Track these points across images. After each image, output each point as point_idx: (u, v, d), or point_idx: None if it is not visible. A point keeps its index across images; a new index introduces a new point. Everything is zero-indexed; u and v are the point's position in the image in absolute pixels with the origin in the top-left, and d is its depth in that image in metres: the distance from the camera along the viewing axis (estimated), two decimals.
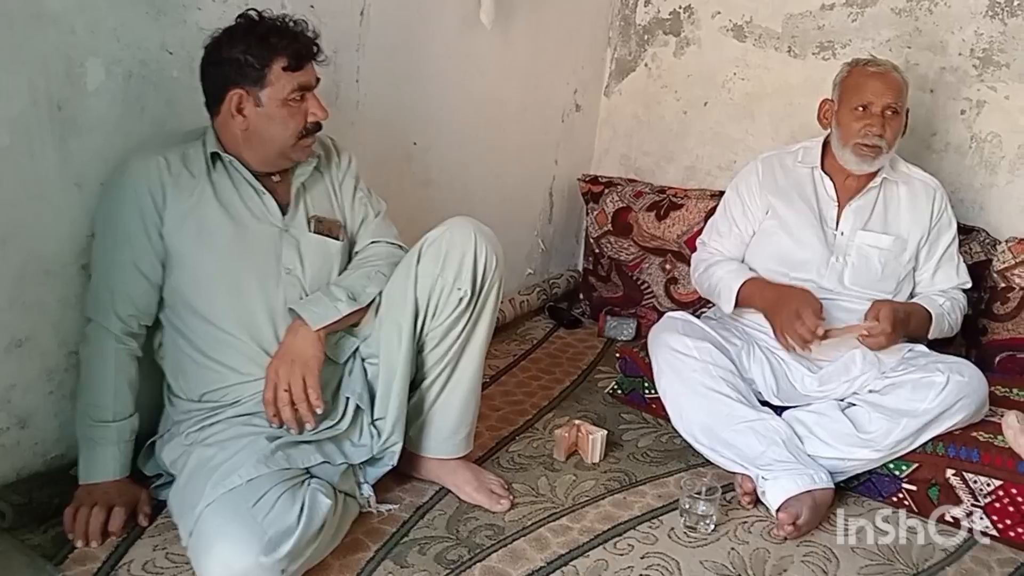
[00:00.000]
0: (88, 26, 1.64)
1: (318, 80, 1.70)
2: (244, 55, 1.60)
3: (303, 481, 1.54)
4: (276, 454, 1.54)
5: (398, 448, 1.77)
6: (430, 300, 1.76)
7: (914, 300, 2.14)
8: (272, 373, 1.63)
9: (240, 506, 1.42)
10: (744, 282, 2.13)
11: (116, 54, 1.70)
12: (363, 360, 1.82)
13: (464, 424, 1.88)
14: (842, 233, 2.15)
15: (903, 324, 2.01)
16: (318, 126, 1.70)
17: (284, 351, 1.65)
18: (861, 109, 2.07)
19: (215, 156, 1.68)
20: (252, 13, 1.65)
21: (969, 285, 2.21)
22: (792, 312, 1.99)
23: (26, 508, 1.62)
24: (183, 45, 1.80)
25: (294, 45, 1.63)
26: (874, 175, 2.14)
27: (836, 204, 2.17)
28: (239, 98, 1.62)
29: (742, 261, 2.24)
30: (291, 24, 1.65)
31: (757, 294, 2.10)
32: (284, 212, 1.74)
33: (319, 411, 1.65)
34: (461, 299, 1.75)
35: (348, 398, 1.75)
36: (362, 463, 1.74)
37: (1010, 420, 1.91)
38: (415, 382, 1.83)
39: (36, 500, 1.64)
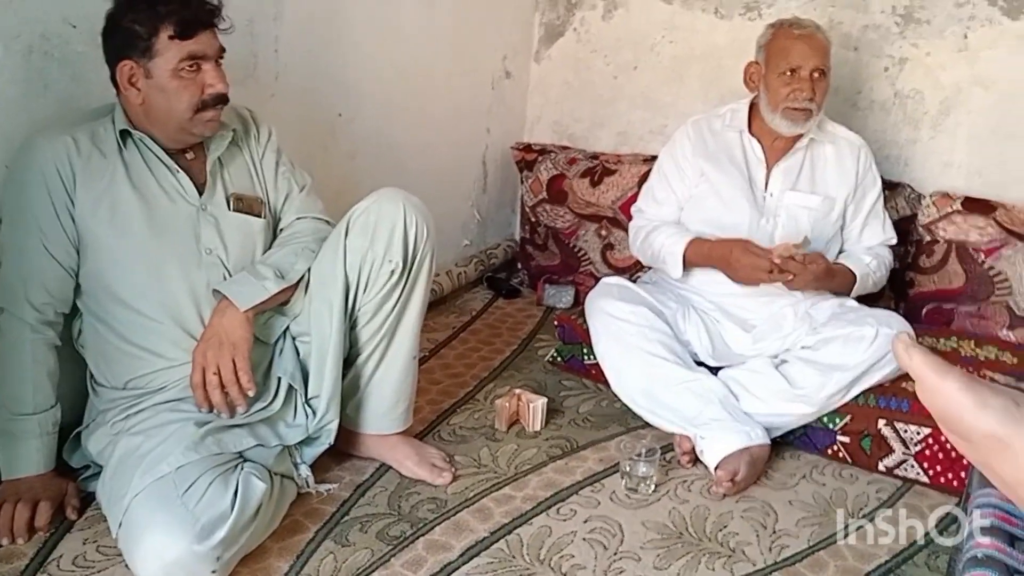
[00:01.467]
0: None
1: (221, 49, 1.61)
2: (132, 24, 1.52)
3: (236, 466, 1.50)
4: (206, 439, 1.50)
5: (334, 426, 1.74)
6: (360, 274, 1.72)
7: (840, 259, 2.17)
8: (200, 356, 1.58)
9: (170, 494, 1.38)
10: (687, 245, 2.13)
11: (14, 28, 1.62)
12: (294, 339, 1.78)
13: (402, 398, 1.86)
14: (771, 195, 2.17)
15: (827, 273, 2.05)
16: (222, 98, 1.61)
17: (211, 333, 1.60)
18: (789, 73, 2.07)
19: (125, 133, 1.61)
20: None
21: (895, 241, 2.25)
22: (741, 251, 2.02)
23: None
24: (87, 17, 1.70)
25: (182, 12, 1.53)
26: (800, 136, 2.16)
27: (765, 166, 2.18)
28: (129, 69, 1.54)
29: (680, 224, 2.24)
30: None
31: (703, 253, 2.12)
32: (201, 191, 1.67)
33: (251, 393, 1.61)
34: (392, 272, 1.72)
35: (280, 378, 1.71)
36: (298, 444, 1.70)
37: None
38: (349, 358, 1.80)
39: None
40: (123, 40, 1.53)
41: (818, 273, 2.00)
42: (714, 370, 2.08)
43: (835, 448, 2.02)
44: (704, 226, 2.17)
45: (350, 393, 1.82)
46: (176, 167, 1.64)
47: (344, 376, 1.78)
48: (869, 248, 2.20)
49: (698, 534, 1.71)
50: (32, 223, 1.56)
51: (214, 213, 1.68)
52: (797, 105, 2.07)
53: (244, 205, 1.72)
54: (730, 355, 2.11)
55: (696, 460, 1.95)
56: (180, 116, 1.58)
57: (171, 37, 1.52)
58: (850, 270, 2.12)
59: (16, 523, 1.52)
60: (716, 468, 1.86)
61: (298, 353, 1.77)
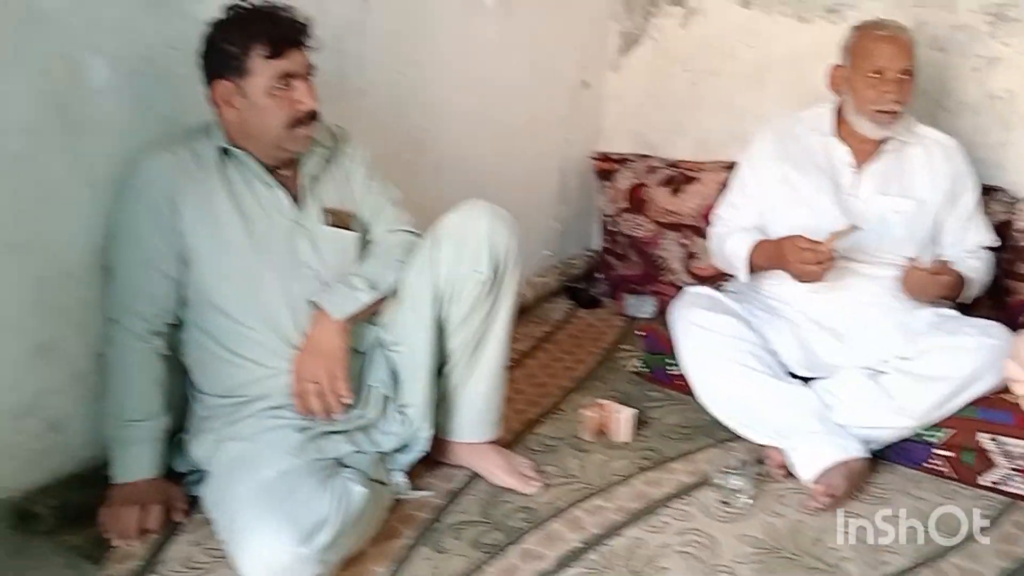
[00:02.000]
0: (86, 23, 1.62)
1: (311, 67, 1.66)
2: (226, 45, 1.58)
3: (336, 471, 1.53)
4: (307, 445, 1.54)
5: (428, 434, 1.76)
6: (449, 285, 1.74)
7: None
8: (299, 366, 1.63)
9: (275, 498, 1.42)
10: (752, 247, 2.10)
11: (118, 51, 1.68)
12: (385, 348, 1.81)
13: (491, 407, 1.87)
14: (860, 199, 2.12)
15: (940, 281, 1.99)
16: (313, 115, 1.66)
17: (310, 344, 1.64)
18: (875, 75, 2.03)
19: (223, 150, 1.67)
20: (239, 1, 1.62)
21: (998, 244, 2.18)
22: (791, 246, 1.97)
23: (62, 511, 1.62)
24: (187, 40, 1.75)
25: (273, 31, 1.58)
26: (888, 139, 2.11)
27: (852, 170, 2.14)
28: (225, 89, 1.60)
29: (759, 231, 2.20)
30: (274, 10, 1.61)
31: (762, 254, 2.09)
32: (297, 206, 1.73)
33: (347, 401, 1.64)
34: (481, 283, 1.74)
35: (374, 387, 1.74)
36: (393, 451, 1.74)
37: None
38: (440, 368, 1.82)
39: (71, 502, 1.64)
40: (219, 60, 1.59)
41: (948, 284, 1.96)
42: (805, 380, 2.03)
43: (934, 462, 1.96)
44: (791, 232, 2.12)
45: (440, 401, 1.84)
46: (273, 183, 1.70)
47: (436, 385, 1.80)
48: (971, 253, 2.13)
49: (796, 549, 1.68)
50: (139, 239, 1.63)
51: (309, 227, 1.73)
52: (884, 107, 2.03)
53: (337, 219, 1.77)
54: (821, 365, 2.06)
55: (790, 473, 1.91)
56: (274, 133, 1.63)
57: (263, 56, 1.58)
58: (958, 272, 2.05)
59: (128, 525, 1.58)
60: (813, 481, 1.82)
61: (389, 362, 1.80)
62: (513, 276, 1.79)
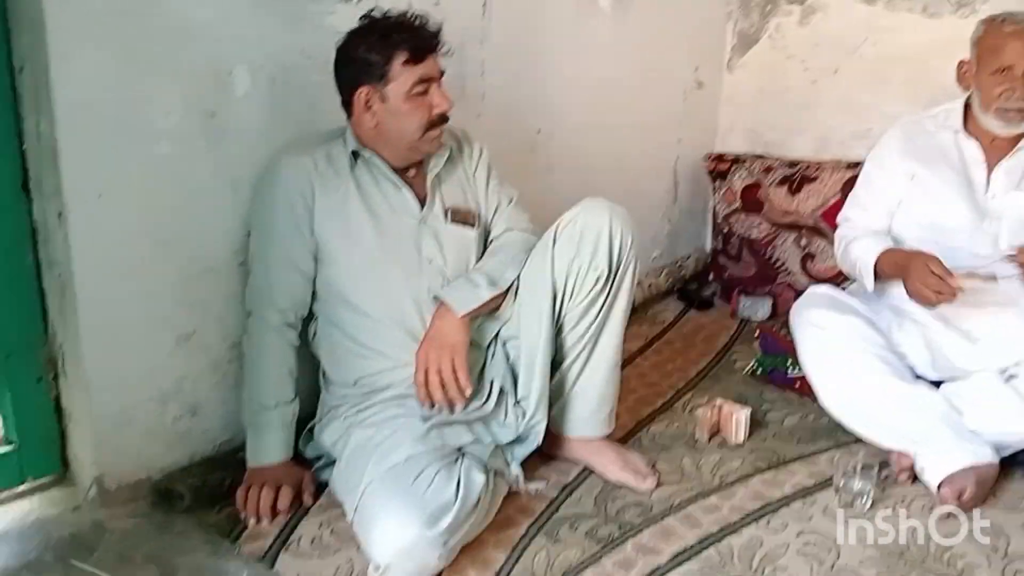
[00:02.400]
0: (233, 36, 1.74)
1: (442, 72, 1.74)
2: (367, 53, 1.66)
3: (457, 459, 1.59)
4: (431, 433, 1.60)
5: (542, 427, 1.79)
6: (567, 281, 1.77)
7: None
8: (423, 357, 1.69)
9: (401, 482, 1.48)
10: (879, 255, 2.03)
11: (260, 61, 1.79)
12: (504, 343, 1.85)
13: (605, 403, 1.89)
14: (993, 196, 2.03)
15: None
16: (444, 117, 1.74)
17: (432, 336, 1.70)
18: (1001, 72, 1.94)
19: (355, 154, 1.75)
20: (374, 13, 1.71)
21: None
22: (921, 265, 1.89)
23: (201, 490, 1.74)
24: (320, 49, 1.85)
25: (413, 39, 1.67)
26: (1022, 135, 2.01)
27: (985, 167, 2.05)
28: (366, 95, 1.68)
29: (888, 232, 2.14)
30: (410, 19, 1.69)
31: (889, 261, 2.00)
32: (422, 204, 1.79)
33: (468, 392, 1.70)
34: (598, 279, 1.76)
35: (492, 380, 1.79)
36: (509, 443, 1.77)
37: None
38: (555, 362, 1.85)
39: (209, 483, 1.76)
40: (359, 69, 1.67)
41: None
42: (934, 384, 1.96)
43: None
44: (921, 230, 2.06)
45: (555, 396, 1.87)
46: (401, 183, 1.77)
47: (551, 380, 1.83)
48: None
49: (921, 554, 1.62)
50: (276, 236, 1.73)
51: (434, 225, 1.79)
52: (1010, 105, 1.95)
53: (460, 217, 1.83)
54: (952, 368, 1.97)
55: (915, 478, 1.85)
56: (411, 136, 1.71)
57: (404, 63, 1.66)
58: None
59: (261, 506, 1.67)
60: (939, 486, 1.76)
61: (508, 357, 1.84)
62: (630, 272, 1.81)
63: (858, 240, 2.12)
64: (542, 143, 2.54)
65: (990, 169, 2.05)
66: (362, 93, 1.68)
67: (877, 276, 2.04)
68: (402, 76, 1.66)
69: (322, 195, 1.72)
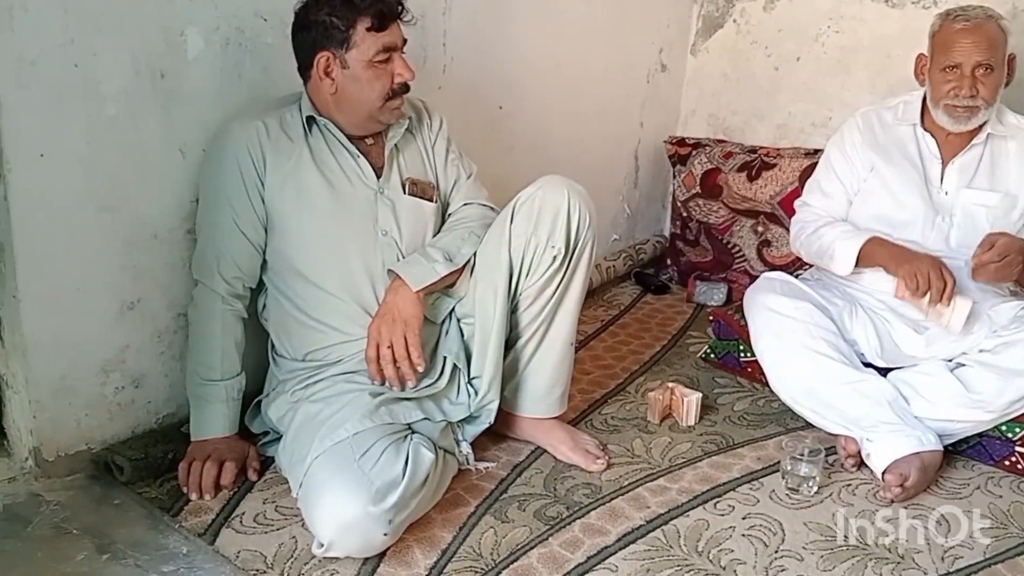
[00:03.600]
0: None
1: (404, 41, 1.70)
2: (329, 17, 1.61)
3: (406, 436, 1.56)
4: (380, 409, 1.57)
5: (494, 406, 1.78)
6: (524, 259, 1.75)
7: None
8: (375, 332, 1.66)
9: (347, 458, 1.45)
10: (867, 240, 2.01)
11: (213, 22, 1.74)
12: (459, 320, 1.83)
13: (559, 383, 1.88)
14: (946, 192, 2.05)
15: (1019, 257, 1.89)
16: (405, 87, 1.70)
17: (385, 310, 1.67)
18: (950, 69, 1.95)
19: (310, 120, 1.71)
20: None
21: None
22: (928, 260, 1.89)
23: (142, 464, 1.69)
24: (276, 11, 1.82)
25: (377, 5, 1.63)
26: (978, 131, 2.02)
27: (939, 162, 2.06)
28: (326, 61, 1.64)
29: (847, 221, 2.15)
30: None
31: (882, 251, 1.99)
32: (379, 175, 1.76)
33: (420, 369, 1.67)
34: (555, 257, 1.74)
35: (445, 357, 1.77)
36: (460, 421, 1.76)
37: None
38: (509, 341, 1.84)
39: (151, 456, 1.71)
40: (320, 33, 1.62)
41: (1001, 254, 1.87)
42: (883, 372, 1.98)
43: (1014, 459, 1.89)
44: (875, 223, 2.07)
45: (509, 376, 1.85)
46: (357, 152, 1.73)
47: (504, 358, 1.81)
48: None
49: (864, 538, 1.64)
50: (225, 202, 1.68)
51: (390, 196, 1.76)
52: (957, 103, 1.95)
53: (418, 189, 1.80)
54: (900, 356, 2.00)
55: (861, 464, 1.87)
56: (371, 104, 1.67)
57: (368, 29, 1.62)
58: None
59: (204, 480, 1.64)
60: (884, 472, 1.78)
61: (462, 334, 1.82)
62: (587, 251, 1.80)
63: (831, 226, 2.10)
64: (503, 120, 2.51)
65: (945, 164, 2.06)
66: (322, 58, 1.64)
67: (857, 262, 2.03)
68: (365, 43, 1.62)
69: (274, 161, 1.67)
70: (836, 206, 2.16)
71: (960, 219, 2.03)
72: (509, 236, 1.75)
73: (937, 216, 2.04)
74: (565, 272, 1.78)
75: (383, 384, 1.66)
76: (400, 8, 1.67)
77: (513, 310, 1.81)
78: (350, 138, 1.73)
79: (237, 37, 1.78)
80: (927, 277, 1.87)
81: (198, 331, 1.72)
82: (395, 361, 1.65)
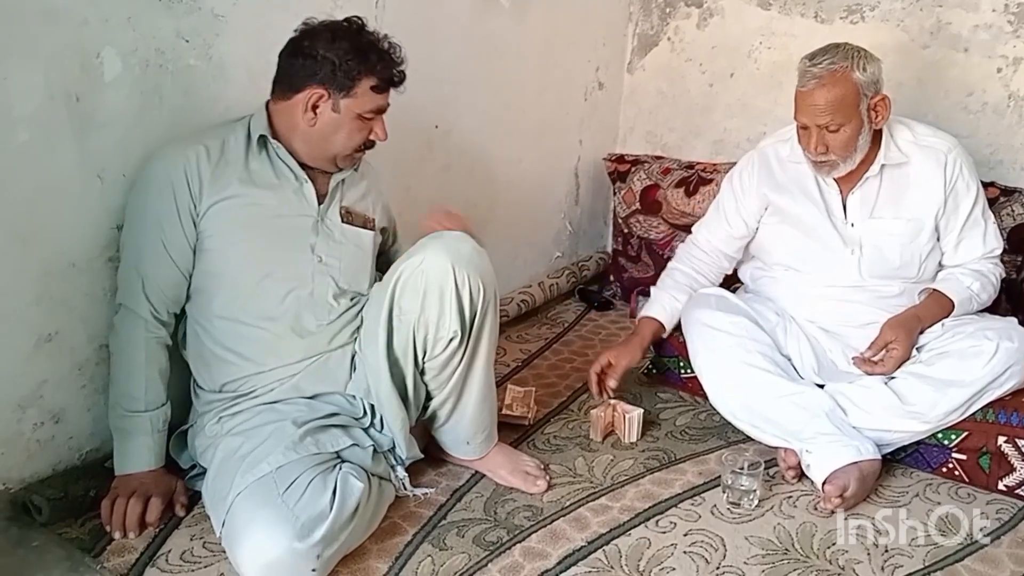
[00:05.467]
0: (101, 16, 1.63)
1: (388, 105, 1.71)
2: (342, 59, 1.60)
3: (334, 465, 1.52)
4: (305, 439, 1.52)
5: (407, 457, 1.72)
6: (416, 338, 1.65)
7: (937, 284, 2.00)
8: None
9: (270, 493, 1.41)
10: (643, 316, 2.19)
11: (131, 44, 1.69)
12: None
13: (480, 428, 1.82)
14: (852, 224, 2.02)
15: (912, 333, 1.94)
16: (374, 145, 1.72)
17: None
18: (802, 128, 1.94)
19: (263, 139, 1.67)
20: (358, 20, 1.66)
21: (999, 252, 2.04)
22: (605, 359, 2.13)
23: (62, 502, 1.62)
24: (198, 32, 1.78)
25: (390, 70, 1.66)
26: (868, 165, 1.98)
27: (839, 194, 2.02)
28: (318, 97, 1.62)
29: (733, 254, 2.23)
30: (391, 47, 1.67)
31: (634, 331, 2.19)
32: (320, 202, 1.73)
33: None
34: (451, 340, 1.65)
35: (360, 397, 1.72)
36: (391, 448, 1.71)
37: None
38: (426, 396, 1.77)
39: (72, 494, 1.64)
40: (324, 70, 1.61)
41: (903, 356, 1.91)
42: (819, 384, 1.99)
43: (950, 466, 1.91)
44: (787, 258, 2.09)
45: (431, 424, 1.82)
46: (305, 177, 1.70)
47: (424, 412, 1.78)
48: (969, 264, 2.01)
49: (805, 551, 1.64)
50: (154, 224, 1.62)
51: (330, 225, 1.73)
52: (812, 158, 1.95)
53: (357, 220, 1.78)
54: (837, 374, 2.00)
55: (802, 475, 1.87)
56: (342, 151, 1.68)
57: (371, 87, 1.63)
58: (947, 298, 1.96)
59: (128, 518, 1.57)
60: (824, 483, 1.78)
61: None
62: (489, 317, 1.70)
63: (663, 288, 2.23)
64: (439, 140, 2.49)
65: (845, 196, 2.03)
66: (316, 93, 1.62)
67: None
68: (364, 97, 1.63)
69: (211, 184, 1.63)
70: (717, 240, 2.22)
71: (869, 250, 2.01)
72: (393, 313, 1.65)
73: (846, 248, 2.02)
74: (467, 345, 1.69)
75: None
76: (402, 80, 1.69)
77: (422, 374, 1.72)
78: (300, 164, 1.70)
79: (157, 59, 1.74)
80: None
81: (120, 359, 1.65)
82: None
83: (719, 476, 1.84)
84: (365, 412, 1.71)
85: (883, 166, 2.00)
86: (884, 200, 2.01)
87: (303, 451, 1.49)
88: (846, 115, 1.88)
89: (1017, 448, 1.84)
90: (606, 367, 2.13)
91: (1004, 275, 2.09)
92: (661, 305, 2.21)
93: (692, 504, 1.78)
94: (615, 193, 3.00)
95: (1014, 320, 1.98)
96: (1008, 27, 2.46)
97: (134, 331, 1.63)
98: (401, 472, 1.70)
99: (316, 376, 1.68)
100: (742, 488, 1.76)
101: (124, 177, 1.70)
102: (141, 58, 1.71)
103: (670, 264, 2.30)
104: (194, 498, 1.67)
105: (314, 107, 1.63)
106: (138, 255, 1.64)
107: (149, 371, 1.63)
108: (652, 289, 2.27)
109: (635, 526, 1.70)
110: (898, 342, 1.92)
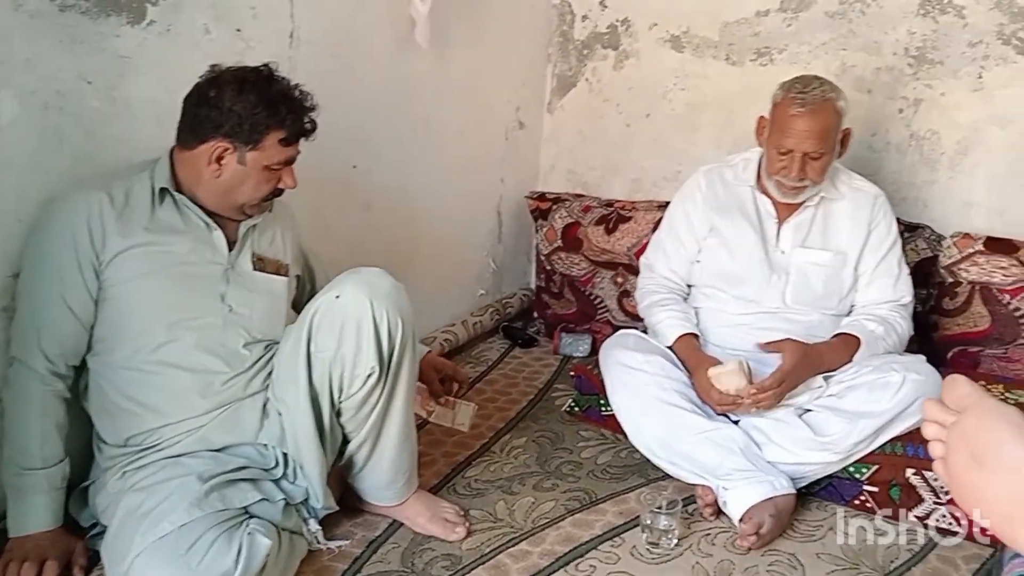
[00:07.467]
0: None
1: (297, 154, 1.67)
2: (249, 112, 1.55)
3: (241, 522, 1.46)
4: (211, 495, 1.47)
5: (324, 506, 1.68)
6: (332, 377, 1.61)
7: (844, 326, 2.06)
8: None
9: (172, 554, 1.35)
10: (676, 338, 2.08)
11: (30, 85, 1.62)
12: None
13: (399, 473, 1.77)
14: (783, 251, 2.10)
15: (812, 364, 1.97)
16: (282, 192, 1.68)
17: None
18: (784, 152, 1.99)
19: (164, 191, 1.62)
20: (265, 70, 1.60)
21: (908, 302, 2.12)
22: (702, 388, 1.98)
23: None
24: (102, 74, 1.73)
25: (300, 122, 1.61)
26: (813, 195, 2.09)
27: (776, 221, 2.12)
28: (223, 149, 1.57)
29: (686, 284, 2.23)
30: (300, 96, 1.62)
31: (683, 355, 2.07)
32: (231, 248, 1.68)
33: None
34: (369, 376, 1.61)
35: (273, 446, 1.66)
36: (303, 501, 1.66)
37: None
38: (343, 440, 1.73)
39: None
40: (229, 122, 1.55)
41: (784, 391, 1.94)
42: (733, 420, 2.02)
43: (863, 498, 1.95)
44: (714, 280, 2.13)
45: (348, 471, 1.77)
46: (214, 225, 1.66)
47: (340, 458, 1.74)
48: (877, 309, 2.08)
49: None
50: (53, 274, 1.56)
51: (240, 273, 1.68)
52: (786, 182, 2.02)
53: (269, 267, 1.74)
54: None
55: (719, 512, 1.89)
56: (249, 200, 1.64)
57: (279, 140, 1.58)
58: (853, 337, 2.01)
59: None
60: (740, 520, 1.80)
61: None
62: (408, 353, 1.66)
63: (664, 307, 2.15)
64: (358, 179, 2.46)
65: (781, 224, 2.12)
66: (220, 147, 1.56)
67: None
68: (271, 150, 1.59)
69: (115, 233, 1.56)
70: (677, 266, 2.22)
71: (795, 277, 2.08)
72: (310, 352, 1.60)
73: (773, 274, 2.09)
74: (385, 382, 1.65)
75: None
76: (313, 130, 1.65)
77: (338, 416, 1.68)
78: (208, 212, 1.65)
79: (57, 101, 1.68)
80: (709, 396, 1.97)
81: (15, 414, 1.56)
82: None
83: (639, 516, 1.84)
84: (277, 463, 1.65)
85: (822, 198, 2.09)
86: (816, 231, 2.11)
87: (208, 508, 1.44)
88: (830, 143, 1.99)
89: (925, 480, 1.89)
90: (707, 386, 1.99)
91: (911, 332, 2.14)
92: (678, 321, 2.11)
93: (612, 546, 1.78)
94: (537, 231, 3.01)
95: (923, 357, 2.04)
96: (908, 70, 2.57)
97: (29, 385, 1.56)
98: (314, 525, 1.65)
99: (225, 427, 1.63)
100: (661, 528, 1.77)
101: (20, 223, 1.63)
102: (40, 100, 1.65)
103: (645, 302, 2.22)
104: (94, 559, 1.59)
105: (219, 159, 1.58)
106: (34, 306, 1.56)
107: (45, 426, 1.56)
108: (652, 320, 2.17)
109: (555, 571, 1.68)
110: (790, 379, 1.93)
